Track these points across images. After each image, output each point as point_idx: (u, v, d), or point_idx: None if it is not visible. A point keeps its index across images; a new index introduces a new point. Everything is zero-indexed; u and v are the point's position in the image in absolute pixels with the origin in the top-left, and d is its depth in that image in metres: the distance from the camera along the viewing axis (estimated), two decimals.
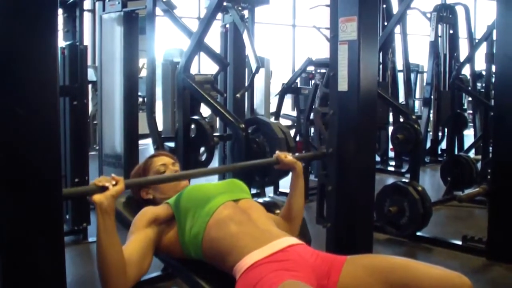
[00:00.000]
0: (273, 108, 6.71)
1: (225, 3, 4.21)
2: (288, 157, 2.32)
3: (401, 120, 4.99)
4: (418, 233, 4.00)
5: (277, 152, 2.35)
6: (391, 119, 6.65)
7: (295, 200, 2.27)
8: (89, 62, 6.32)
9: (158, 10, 4.15)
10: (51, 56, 1.41)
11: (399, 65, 7.28)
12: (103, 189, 1.67)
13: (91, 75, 6.73)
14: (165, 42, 7.51)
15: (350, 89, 2.64)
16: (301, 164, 2.33)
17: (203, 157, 3.68)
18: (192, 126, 3.58)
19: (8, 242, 1.36)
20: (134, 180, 2.15)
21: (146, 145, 6.87)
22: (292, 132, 5.60)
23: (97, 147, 5.61)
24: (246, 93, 4.96)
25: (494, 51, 4.64)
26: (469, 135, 7.65)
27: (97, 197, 1.65)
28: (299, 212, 2.27)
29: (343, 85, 2.65)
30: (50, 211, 1.43)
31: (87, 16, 8.37)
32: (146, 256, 1.87)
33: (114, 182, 1.70)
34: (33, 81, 1.37)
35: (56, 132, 1.45)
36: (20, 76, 1.35)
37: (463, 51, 7.23)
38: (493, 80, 5.87)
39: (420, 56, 9.05)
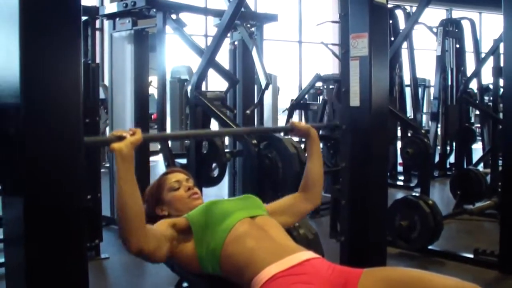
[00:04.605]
0: (281, 124, 6.73)
1: None
2: (302, 123, 2.38)
3: (410, 134, 5.00)
4: (430, 247, 3.99)
5: (291, 120, 2.40)
6: (399, 133, 6.65)
7: (313, 166, 2.32)
8: None
9: (168, 28, 4.21)
10: (75, 74, 1.45)
11: (407, 79, 7.31)
12: (121, 138, 1.72)
13: (100, 93, 6.79)
14: (172, 60, 7.56)
15: (362, 104, 2.68)
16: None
17: (215, 173, 3.71)
18: (204, 142, 3.61)
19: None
20: (152, 135, 2.20)
21: (156, 162, 6.91)
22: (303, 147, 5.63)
23: (107, 164, 5.65)
24: (255, 109, 5.00)
25: (502, 65, 4.65)
26: (477, 149, 7.63)
27: (116, 145, 1.71)
28: (319, 178, 2.32)
29: (355, 100, 2.69)
30: (70, 221, 1.47)
31: (96, 35, 8.45)
32: (163, 244, 1.88)
33: (131, 133, 1.76)
34: (58, 99, 1.41)
35: (80, 151, 1.48)
36: (45, 93, 1.39)
37: (470, 65, 7.25)
38: (501, 93, 5.88)
39: (427, 70, 9.07)
